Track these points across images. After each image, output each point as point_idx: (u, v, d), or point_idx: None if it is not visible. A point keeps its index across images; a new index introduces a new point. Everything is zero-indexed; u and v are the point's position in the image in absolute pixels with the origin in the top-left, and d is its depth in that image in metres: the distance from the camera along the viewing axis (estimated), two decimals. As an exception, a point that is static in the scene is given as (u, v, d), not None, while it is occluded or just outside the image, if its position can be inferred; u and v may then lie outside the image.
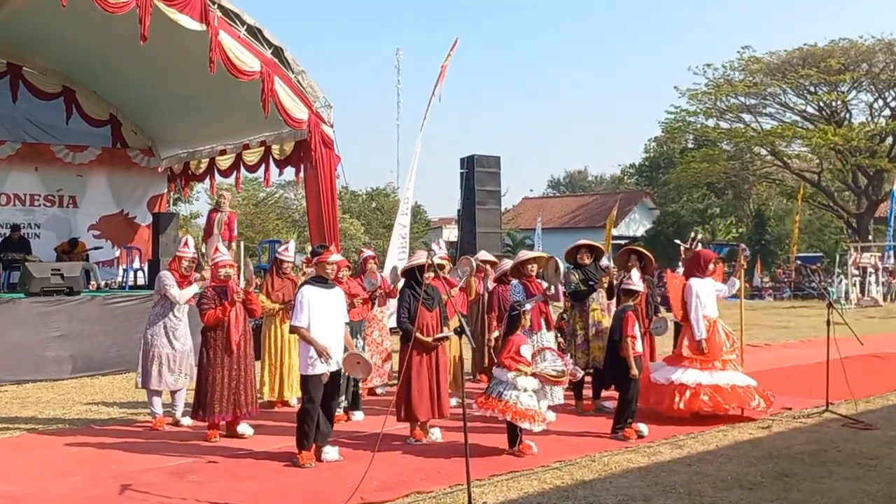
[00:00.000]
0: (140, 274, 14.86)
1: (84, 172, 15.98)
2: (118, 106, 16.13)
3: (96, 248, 15.40)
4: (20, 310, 10.61)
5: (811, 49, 35.59)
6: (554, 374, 6.38)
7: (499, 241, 17.56)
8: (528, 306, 6.81)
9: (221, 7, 11.64)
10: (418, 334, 6.64)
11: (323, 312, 6.23)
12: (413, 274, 6.95)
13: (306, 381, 6.20)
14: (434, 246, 8.11)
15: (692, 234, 10.03)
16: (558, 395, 7.67)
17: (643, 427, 7.09)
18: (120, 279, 15.23)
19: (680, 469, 6.02)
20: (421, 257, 6.94)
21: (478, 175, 16.73)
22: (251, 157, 15.04)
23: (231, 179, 16.59)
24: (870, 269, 28.45)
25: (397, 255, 15.51)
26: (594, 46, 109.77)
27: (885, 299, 28.55)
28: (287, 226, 42.70)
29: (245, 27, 12.10)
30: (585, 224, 45.39)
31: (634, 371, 7.11)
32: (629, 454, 6.48)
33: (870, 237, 35.14)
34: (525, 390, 6.40)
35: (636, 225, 46.75)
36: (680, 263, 9.23)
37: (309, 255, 12.40)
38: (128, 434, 7.43)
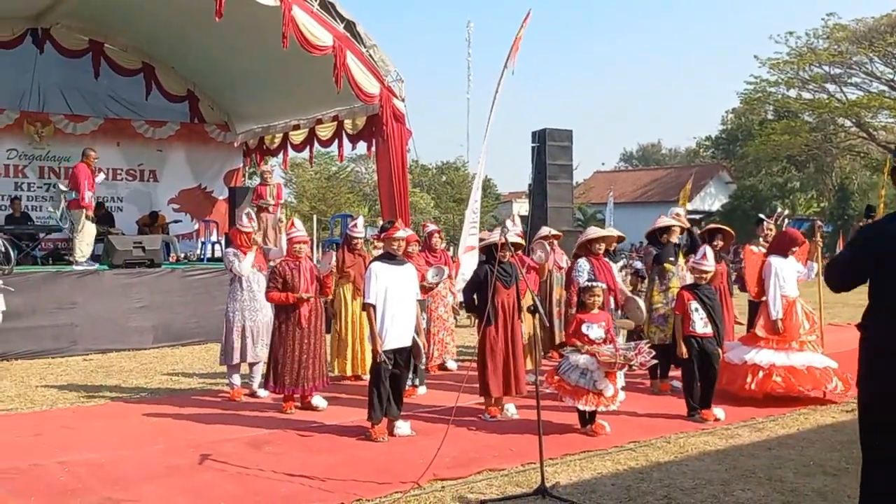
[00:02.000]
0: (217, 247, 15.22)
1: (163, 147, 16.38)
2: (195, 82, 16.44)
3: (176, 222, 15.83)
4: (104, 282, 10.98)
5: (901, 15, 33.94)
6: (609, 355, 6.24)
7: (570, 216, 17.27)
8: (596, 284, 6.67)
9: (295, -19, 11.68)
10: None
11: (394, 289, 6.24)
12: (490, 251, 6.89)
13: (376, 356, 6.22)
14: (508, 223, 8.05)
15: (778, 210, 9.65)
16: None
17: (720, 411, 6.92)
18: (199, 252, 15.64)
19: (759, 453, 5.86)
20: (495, 235, 6.87)
21: (549, 149, 16.44)
22: (324, 131, 15.15)
23: (304, 154, 16.81)
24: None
25: (468, 231, 15.46)
26: (669, 13, 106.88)
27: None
28: (358, 199, 43.13)
29: (318, 1, 12.13)
30: (658, 198, 44.49)
31: (680, 351, 6.94)
32: (706, 436, 6.34)
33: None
34: (577, 367, 6.31)
35: (711, 199, 45.65)
36: (762, 239, 8.91)
37: (378, 231, 12.51)
38: (206, 404, 7.62)
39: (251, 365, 7.94)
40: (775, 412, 7.09)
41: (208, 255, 14.95)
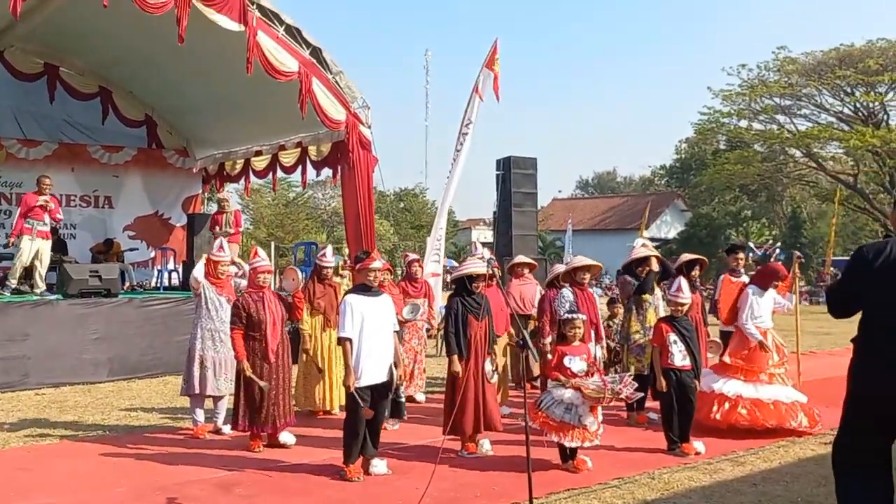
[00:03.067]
0: (174, 275, 14.82)
1: (120, 173, 15.97)
2: (154, 106, 16.10)
3: (131, 249, 15.40)
4: (58, 312, 10.55)
5: (848, 49, 34.89)
6: (595, 388, 6.10)
7: (535, 244, 17.29)
8: (577, 316, 6.53)
9: (260, 7, 11.49)
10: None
11: (370, 321, 6.03)
12: (462, 282, 6.72)
13: (352, 394, 5.98)
14: (486, 252, 7.90)
15: (769, 241, 9.67)
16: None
17: (700, 445, 6.81)
18: (155, 280, 15.21)
19: (745, 489, 5.75)
20: (475, 265, 6.71)
21: (514, 177, 16.45)
22: (287, 158, 14.92)
23: (263, 179, 16.47)
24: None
25: (431, 257, 15.29)
26: (623, 46, 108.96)
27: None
28: (316, 226, 42.75)
29: (283, 27, 11.95)
30: (616, 226, 45.01)
31: (660, 384, 6.84)
32: (689, 471, 6.22)
33: (906, 241, 34.38)
34: (561, 402, 6.17)
35: (668, 227, 46.27)
36: (743, 272, 8.90)
37: (346, 259, 12.27)
38: (169, 442, 7.29)
39: (215, 400, 7.63)
40: (754, 444, 7.02)
41: (165, 283, 14.54)
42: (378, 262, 6.27)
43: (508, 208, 16.40)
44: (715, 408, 7.53)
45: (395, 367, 6.25)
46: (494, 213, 17.21)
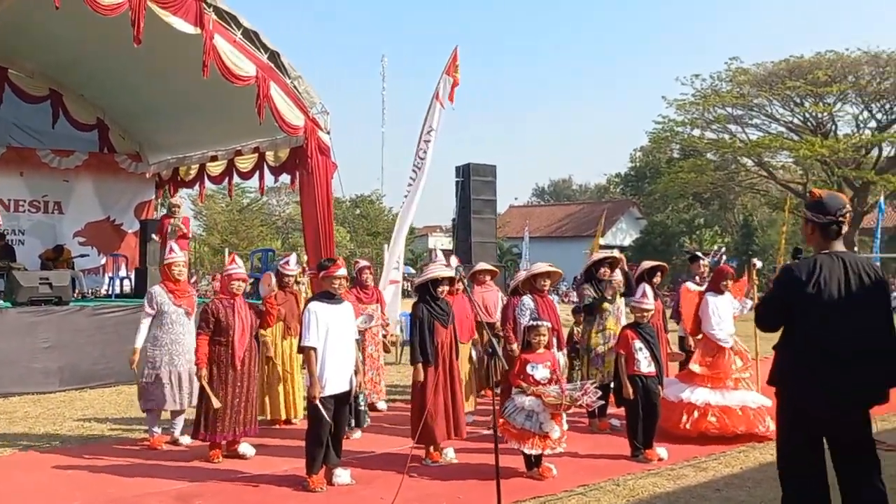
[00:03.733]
0: (126, 282, 14.49)
1: (70, 178, 15.58)
2: (106, 110, 15.75)
3: (82, 256, 14.99)
4: (7, 319, 10.21)
5: (798, 61, 35.74)
6: (554, 396, 6.08)
7: (494, 251, 17.28)
8: (542, 324, 6.51)
9: (217, 10, 11.31)
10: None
11: (334, 330, 5.93)
12: (427, 288, 6.66)
13: (314, 403, 5.87)
14: (454, 260, 7.85)
15: (715, 248, 9.78)
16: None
17: (663, 451, 6.84)
18: (106, 287, 14.86)
19: (709, 494, 5.78)
20: (440, 269, 6.66)
21: (473, 184, 16.43)
22: (244, 163, 14.68)
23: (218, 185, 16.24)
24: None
25: (392, 265, 15.19)
26: (578, 52, 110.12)
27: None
28: (271, 232, 42.32)
29: (241, 31, 11.76)
30: (572, 233, 45.33)
31: (627, 391, 6.86)
32: (653, 478, 6.23)
33: (855, 248, 35.26)
34: (522, 410, 6.14)
35: (623, 234, 46.74)
36: (698, 277, 8.99)
37: (304, 266, 12.08)
38: (125, 453, 7.08)
39: (173, 412, 7.44)
40: (716, 450, 7.06)
41: (116, 290, 14.21)
42: (343, 270, 6.17)
43: (468, 215, 16.39)
44: (684, 417, 7.56)
45: (356, 375, 6.16)
46: (454, 220, 17.18)
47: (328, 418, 5.85)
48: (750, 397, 7.66)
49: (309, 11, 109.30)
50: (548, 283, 7.83)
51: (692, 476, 6.29)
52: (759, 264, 8.73)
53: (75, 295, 12.89)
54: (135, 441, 7.55)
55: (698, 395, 7.62)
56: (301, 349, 5.99)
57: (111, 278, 15.09)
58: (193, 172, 16.05)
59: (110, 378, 10.82)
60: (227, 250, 29.26)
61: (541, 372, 6.28)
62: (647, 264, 8.72)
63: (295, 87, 12.61)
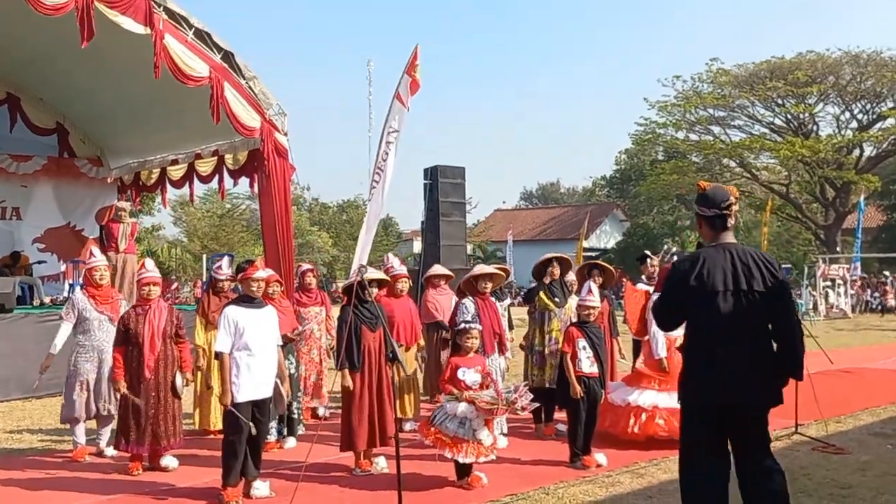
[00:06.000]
0: (87, 289, 14.17)
1: (29, 183, 15.28)
2: (65, 114, 15.45)
3: (40, 262, 14.71)
4: (-53, 328, 9.94)
5: (778, 62, 35.71)
6: (489, 400, 5.85)
7: (464, 254, 17.04)
8: (472, 326, 6.28)
9: (167, 9, 11.06)
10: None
11: (252, 334, 5.68)
12: (354, 292, 6.42)
13: (230, 411, 5.62)
14: (392, 258, 7.67)
15: (665, 247, 9.57)
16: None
17: (601, 457, 6.61)
18: (66, 294, 14.54)
19: (639, 502, 5.55)
20: (366, 273, 6.43)
21: (442, 186, 16.20)
22: (204, 167, 14.43)
23: (201, 190, 15.86)
24: (838, 281, 28.43)
25: (357, 265, 14.94)
26: (567, 55, 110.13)
27: (853, 311, 28.54)
28: (253, 237, 41.98)
29: (192, 31, 11.52)
30: (556, 236, 45.18)
31: (574, 391, 6.62)
32: (586, 485, 5.99)
33: (837, 249, 35.22)
34: (454, 416, 5.90)
35: (607, 237, 46.63)
36: (645, 277, 8.79)
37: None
38: (45, 466, 6.82)
39: (99, 421, 7.18)
40: (658, 455, 6.82)
41: (77, 297, 13.90)
42: (262, 272, 5.92)
43: (436, 218, 16.16)
44: (632, 421, 7.33)
45: (281, 382, 5.91)
46: (423, 223, 16.94)
47: (245, 422, 5.58)
48: (698, 399, 7.43)
49: (297, 12, 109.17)
50: (489, 285, 7.60)
51: (627, 483, 6.06)
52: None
53: (34, 303, 12.64)
54: (59, 453, 7.28)
55: (645, 397, 7.39)
56: (215, 355, 5.75)
57: (71, 285, 14.74)
58: (155, 176, 15.79)
59: (58, 388, 10.33)
60: (205, 256, 28.93)
61: (471, 376, 6.04)
62: (587, 263, 8.51)
63: (250, 87, 12.37)
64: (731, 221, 4.15)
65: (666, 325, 4.39)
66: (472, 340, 6.22)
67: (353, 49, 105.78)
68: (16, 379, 10.32)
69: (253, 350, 5.70)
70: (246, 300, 5.87)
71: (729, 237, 4.15)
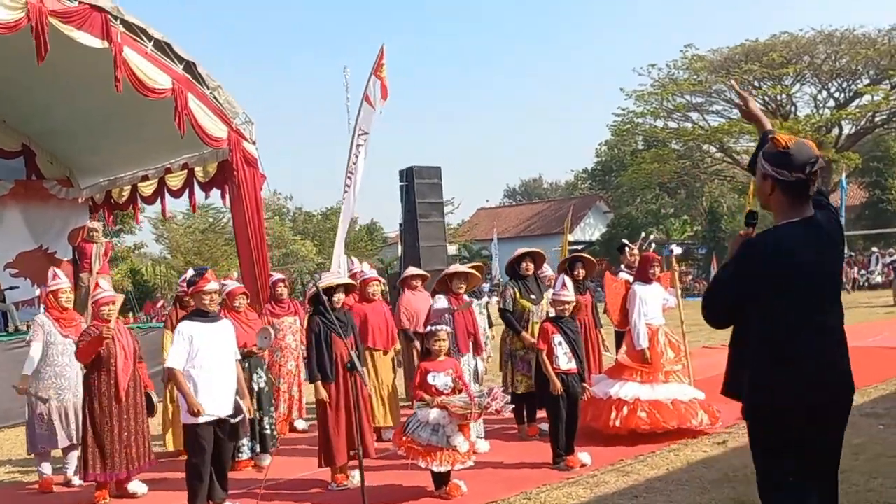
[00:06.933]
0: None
1: (-4, 208, 14.95)
2: (30, 135, 15.10)
3: (13, 288, 14.36)
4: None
5: (753, 44, 35.69)
6: (461, 405, 5.63)
7: (444, 255, 16.79)
8: (440, 328, 6.05)
9: (125, 22, 10.79)
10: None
11: (207, 350, 5.44)
12: (320, 300, 6.19)
13: (191, 432, 5.38)
14: (357, 262, 7.45)
15: (643, 235, 9.35)
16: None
17: (585, 456, 6.40)
18: (41, 319, 14.22)
19: (625, 502, 5.34)
20: (331, 277, 6.22)
21: (418, 187, 15.96)
22: (174, 181, 14.14)
23: (180, 205, 15.57)
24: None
25: (334, 270, 14.69)
26: (542, 48, 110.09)
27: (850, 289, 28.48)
28: (236, 252, 41.63)
29: (152, 42, 11.26)
30: (541, 231, 45.02)
31: (554, 388, 6.40)
32: (570, 487, 5.78)
33: (822, 228, 35.16)
34: (426, 424, 5.67)
35: (591, 229, 46.48)
36: (624, 266, 8.60)
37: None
38: (13, 499, 6.59)
39: (65, 450, 6.92)
40: (644, 451, 6.63)
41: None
42: (214, 284, 5.67)
43: (414, 220, 15.94)
44: (613, 414, 7.14)
45: (241, 398, 5.67)
46: (401, 224, 16.71)
47: (208, 446, 5.34)
48: (681, 391, 7.25)
49: (286, 13, 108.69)
50: (464, 286, 7.38)
51: (613, 482, 5.85)
52: (677, 250, 8.31)
53: (9, 329, 12.35)
54: (26, 485, 7.03)
55: (627, 390, 7.20)
56: (167, 371, 5.51)
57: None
58: (126, 194, 15.45)
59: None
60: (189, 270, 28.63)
61: (442, 380, 5.82)
62: (569, 256, 8.30)
63: (215, 97, 12.10)
64: (813, 188, 3.14)
65: (716, 316, 3.29)
66: (439, 343, 6.00)
67: (332, 56, 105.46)
68: (-13, 408, 10.03)
69: (209, 366, 5.47)
70: (200, 314, 5.63)
71: (810, 209, 3.14)
